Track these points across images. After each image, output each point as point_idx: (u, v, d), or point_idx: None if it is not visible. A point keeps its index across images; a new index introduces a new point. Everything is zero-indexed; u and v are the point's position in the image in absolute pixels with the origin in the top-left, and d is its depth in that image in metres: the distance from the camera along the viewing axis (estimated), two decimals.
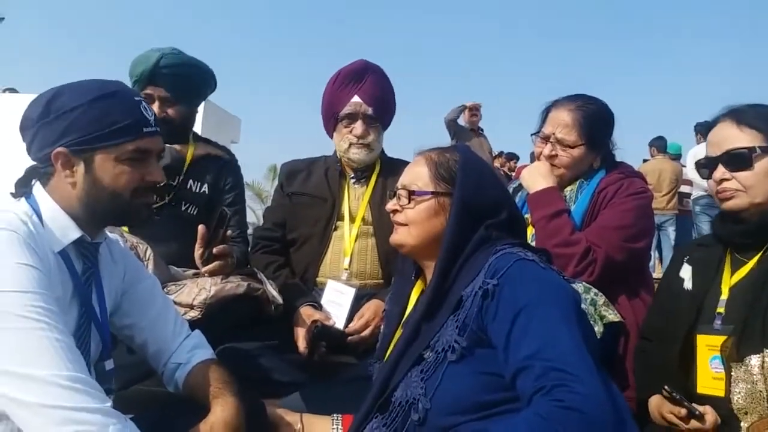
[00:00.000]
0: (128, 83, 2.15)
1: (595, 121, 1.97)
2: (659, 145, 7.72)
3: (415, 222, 1.37)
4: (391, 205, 1.44)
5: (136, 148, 1.27)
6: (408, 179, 1.42)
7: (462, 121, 6.44)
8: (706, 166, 1.56)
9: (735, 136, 1.48)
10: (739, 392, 1.36)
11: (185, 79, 2.19)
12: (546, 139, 2.00)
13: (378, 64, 2.28)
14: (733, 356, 1.38)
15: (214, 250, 1.80)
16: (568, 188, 2.00)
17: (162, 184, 2.06)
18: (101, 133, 1.23)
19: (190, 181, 2.22)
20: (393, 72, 2.33)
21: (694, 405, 1.38)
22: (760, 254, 1.47)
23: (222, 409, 1.26)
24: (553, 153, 1.98)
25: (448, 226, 1.32)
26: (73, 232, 1.26)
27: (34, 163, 1.30)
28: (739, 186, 1.47)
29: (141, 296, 1.47)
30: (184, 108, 2.21)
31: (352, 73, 2.22)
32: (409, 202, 1.38)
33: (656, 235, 7.95)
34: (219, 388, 1.33)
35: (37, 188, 1.28)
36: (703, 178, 1.61)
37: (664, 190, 7.40)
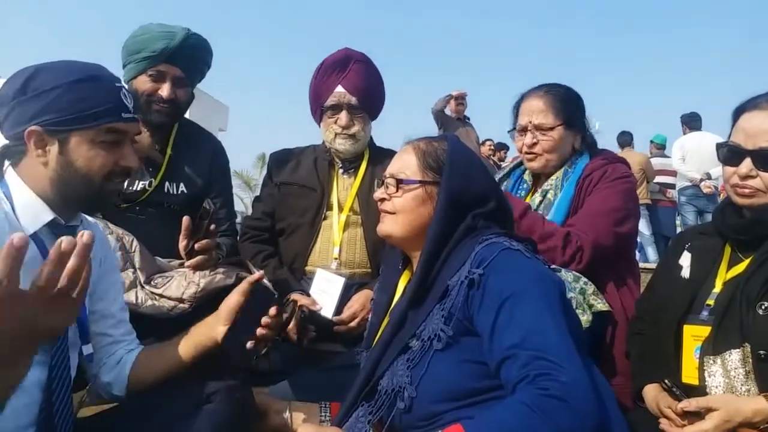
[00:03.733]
0: (117, 61, 2.05)
1: (566, 100, 2.02)
2: (624, 140, 7.93)
3: (402, 210, 1.37)
4: (379, 193, 1.43)
5: (112, 129, 1.25)
6: (396, 168, 1.41)
7: (448, 110, 6.43)
8: (731, 154, 1.44)
9: None
10: (717, 386, 1.36)
11: (199, 63, 2.12)
12: (524, 130, 2.03)
13: (363, 52, 2.24)
14: (708, 350, 1.38)
15: (196, 246, 1.76)
16: (554, 176, 2.02)
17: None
18: (79, 115, 1.21)
19: (167, 184, 2.11)
20: (383, 62, 2.30)
21: (692, 401, 1.32)
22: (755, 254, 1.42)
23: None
24: (534, 141, 2.00)
25: (434, 215, 1.32)
26: (46, 215, 1.24)
27: (6, 142, 1.27)
28: (761, 186, 1.40)
29: (112, 287, 1.47)
30: (189, 91, 2.13)
31: (336, 63, 2.19)
32: (397, 191, 1.38)
33: None
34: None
35: (9, 172, 1.26)
36: (722, 162, 1.49)
37: None
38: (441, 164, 1.36)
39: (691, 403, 1.32)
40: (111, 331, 1.44)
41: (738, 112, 1.49)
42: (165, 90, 2.02)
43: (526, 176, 2.15)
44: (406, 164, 1.40)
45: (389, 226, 1.39)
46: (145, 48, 1.99)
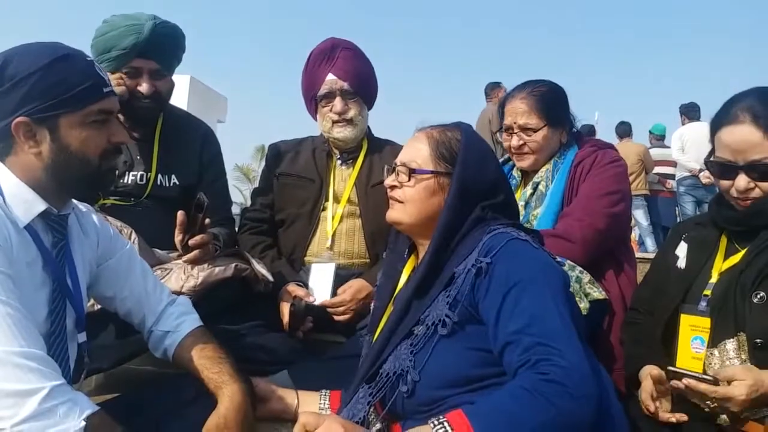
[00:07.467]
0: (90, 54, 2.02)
1: (549, 100, 2.03)
2: (623, 131, 7.94)
3: (412, 200, 1.36)
4: (389, 180, 1.42)
5: (100, 109, 1.23)
6: (408, 156, 1.39)
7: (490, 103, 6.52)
8: (723, 169, 1.44)
9: (761, 145, 1.36)
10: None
11: (173, 49, 2.08)
12: (509, 130, 2.05)
13: (349, 40, 2.24)
14: (709, 343, 1.39)
15: (190, 243, 1.75)
16: (543, 168, 2.05)
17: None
18: (64, 98, 1.18)
19: (159, 177, 2.08)
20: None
21: (719, 389, 1.26)
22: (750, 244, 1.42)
23: (230, 400, 1.26)
24: (521, 142, 2.03)
25: (445, 206, 1.31)
26: (38, 205, 1.22)
27: None
28: (762, 195, 1.40)
29: (118, 267, 1.46)
30: (169, 79, 2.09)
31: (323, 52, 2.19)
32: (409, 180, 1.37)
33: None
34: (217, 372, 1.32)
35: None
36: (716, 177, 1.48)
37: None
38: (454, 155, 1.35)
39: (718, 391, 1.26)
40: (134, 312, 1.46)
41: (716, 126, 1.47)
42: (144, 87, 1.98)
43: (515, 172, 2.19)
44: (418, 153, 1.38)
45: (398, 214, 1.39)
46: (114, 46, 1.93)
